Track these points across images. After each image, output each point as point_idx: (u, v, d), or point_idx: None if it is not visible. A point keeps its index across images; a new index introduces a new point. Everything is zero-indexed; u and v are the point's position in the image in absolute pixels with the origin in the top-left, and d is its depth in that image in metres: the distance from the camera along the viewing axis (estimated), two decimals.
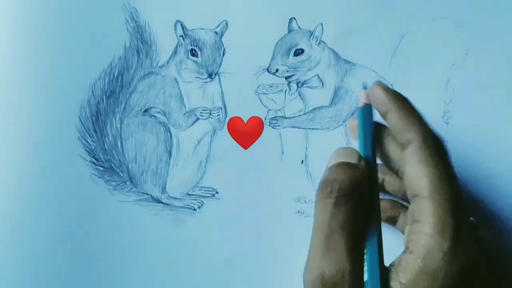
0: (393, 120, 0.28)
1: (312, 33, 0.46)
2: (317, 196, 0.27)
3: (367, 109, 0.32)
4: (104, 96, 0.45)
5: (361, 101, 0.33)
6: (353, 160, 0.28)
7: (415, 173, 0.26)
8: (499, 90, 0.45)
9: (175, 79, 0.46)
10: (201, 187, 0.45)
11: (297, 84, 0.46)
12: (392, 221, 0.36)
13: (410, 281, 0.24)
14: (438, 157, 0.27)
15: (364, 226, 0.27)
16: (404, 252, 0.26)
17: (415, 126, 0.28)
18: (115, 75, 0.45)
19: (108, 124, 0.45)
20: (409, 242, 0.25)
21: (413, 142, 0.27)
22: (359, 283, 0.25)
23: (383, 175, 0.29)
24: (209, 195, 0.44)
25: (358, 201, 0.26)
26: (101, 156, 0.44)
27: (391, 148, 0.29)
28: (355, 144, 0.45)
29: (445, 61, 0.45)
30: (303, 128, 0.45)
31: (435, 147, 0.27)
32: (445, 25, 0.45)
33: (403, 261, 0.25)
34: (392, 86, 0.45)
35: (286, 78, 0.45)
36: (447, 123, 0.44)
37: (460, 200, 0.26)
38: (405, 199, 0.28)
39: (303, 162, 0.45)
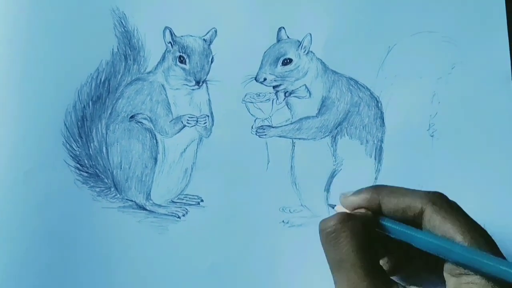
0: (391, 204, 0.30)
1: (300, 43, 0.46)
2: (319, 234, 0.29)
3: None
4: (90, 101, 0.45)
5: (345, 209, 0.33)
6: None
7: (445, 234, 0.28)
8: (484, 104, 0.45)
9: (163, 85, 0.46)
10: (186, 194, 0.44)
11: (285, 93, 0.46)
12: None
13: None
14: (453, 211, 0.29)
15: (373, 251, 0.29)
16: None
17: (416, 196, 0.29)
18: (102, 80, 0.45)
19: (93, 129, 0.45)
20: None
21: (426, 209, 0.29)
22: None
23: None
24: (194, 203, 0.44)
25: (356, 229, 0.28)
26: (86, 161, 0.44)
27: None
28: (340, 155, 0.45)
29: (431, 74, 0.45)
30: (290, 138, 0.45)
31: (444, 203, 0.29)
32: (432, 39, 0.46)
33: None
34: (379, 97, 0.45)
35: (274, 87, 0.46)
36: (432, 136, 0.45)
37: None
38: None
39: (289, 172, 0.45)
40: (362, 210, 0.30)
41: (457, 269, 0.28)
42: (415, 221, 0.29)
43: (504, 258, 0.27)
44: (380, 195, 0.30)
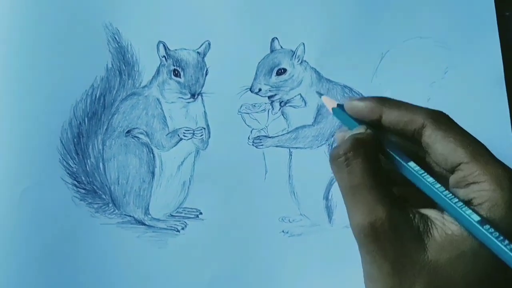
0: (392, 116, 0.30)
1: (294, 53, 0.46)
2: (330, 164, 0.29)
3: (340, 110, 0.32)
4: (86, 118, 0.45)
5: (329, 105, 0.33)
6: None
7: (446, 148, 0.28)
8: (477, 107, 0.45)
9: (158, 99, 0.46)
10: (184, 208, 0.44)
11: (280, 103, 0.46)
12: None
13: None
14: (454, 127, 0.29)
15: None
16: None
17: (418, 111, 0.29)
18: (97, 96, 0.45)
19: (90, 146, 0.45)
20: (472, 200, 0.27)
21: (427, 125, 0.29)
22: (403, 225, 0.27)
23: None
24: (192, 216, 0.44)
25: (368, 154, 0.28)
26: (83, 178, 0.44)
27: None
28: None
29: (425, 79, 0.46)
30: (287, 147, 0.45)
31: (446, 120, 0.29)
32: (425, 44, 0.46)
33: None
34: None
35: (269, 97, 0.46)
36: None
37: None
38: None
39: (287, 181, 0.45)
40: (362, 130, 0.30)
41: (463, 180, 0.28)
42: (415, 136, 0.29)
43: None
44: (384, 106, 0.30)
